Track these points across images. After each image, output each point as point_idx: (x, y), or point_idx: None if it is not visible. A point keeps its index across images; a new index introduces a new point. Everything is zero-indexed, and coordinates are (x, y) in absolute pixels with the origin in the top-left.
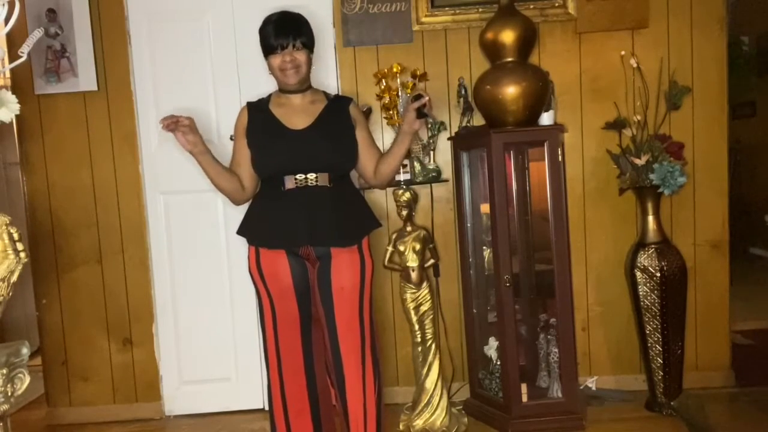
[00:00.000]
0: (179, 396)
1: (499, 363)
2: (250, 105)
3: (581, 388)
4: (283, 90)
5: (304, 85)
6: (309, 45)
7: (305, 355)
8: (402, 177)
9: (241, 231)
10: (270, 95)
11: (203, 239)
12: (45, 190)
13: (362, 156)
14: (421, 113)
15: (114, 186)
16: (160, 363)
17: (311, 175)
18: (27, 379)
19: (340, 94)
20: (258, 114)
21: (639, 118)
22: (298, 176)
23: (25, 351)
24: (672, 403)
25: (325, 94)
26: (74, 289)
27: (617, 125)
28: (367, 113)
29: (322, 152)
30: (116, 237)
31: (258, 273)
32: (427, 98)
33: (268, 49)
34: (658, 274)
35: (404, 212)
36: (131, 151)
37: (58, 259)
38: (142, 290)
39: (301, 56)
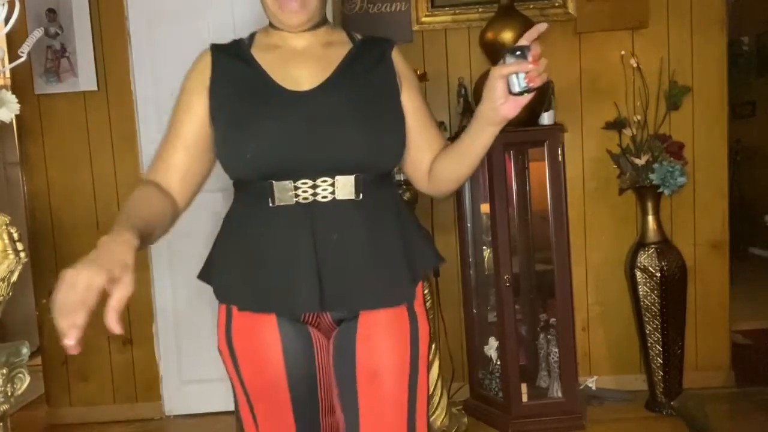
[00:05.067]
0: (179, 396)
1: (499, 363)
2: (215, 48)
3: (581, 388)
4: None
5: (314, 23)
6: None
7: None
8: (401, 176)
9: (205, 274)
10: (253, 34)
11: (203, 239)
12: (45, 190)
13: (413, 143)
14: (519, 88)
15: (114, 186)
16: (160, 363)
17: (323, 182)
18: (27, 379)
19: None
20: (230, 63)
21: (639, 118)
22: (299, 183)
23: (25, 351)
24: (672, 403)
25: (349, 33)
26: None
27: (617, 125)
28: (421, 80)
29: (345, 136)
30: None
31: (228, 350)
32: (530, 57)
33: None
34: (658, 274)
35: None
36: (131, 151)
37: (58, 259)
38: (142, 290)
39: None
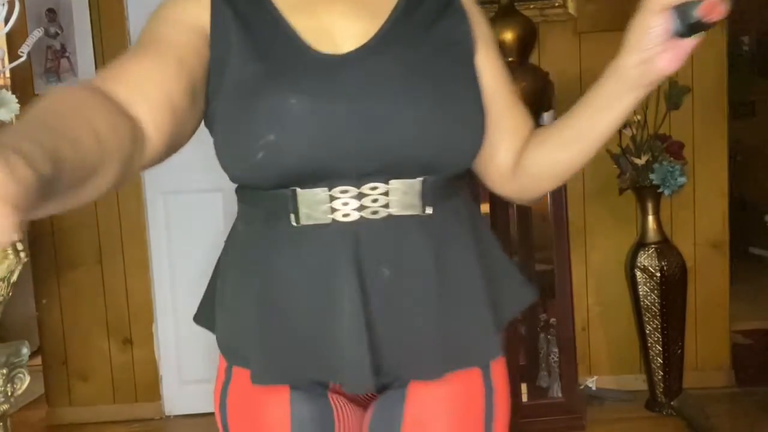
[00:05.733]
0: (179, 396)
1: None
2: None
3: (581, 388)
4: None
5: None
6: None
7: None
8: None
9: (203, 318)
10: None
11: (203, 239)
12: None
13: (493, 126)
14: (688, 22)
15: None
16: (160, 363)
17: (373, 189)
18: (27, 379)
19: None
20: (239, 10)
21: (639, 117)
22: (337, 191)
23: (25, 351)
24: (672, 403)
25: None
26: (74, 289)
27: None
28: None
29: (407, 121)
30: (116, 237)
31: (221, 419)
32: None
33: None
34: (658, 274)
35: None
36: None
37: (57, 260)
38: (142, 290)
39: None
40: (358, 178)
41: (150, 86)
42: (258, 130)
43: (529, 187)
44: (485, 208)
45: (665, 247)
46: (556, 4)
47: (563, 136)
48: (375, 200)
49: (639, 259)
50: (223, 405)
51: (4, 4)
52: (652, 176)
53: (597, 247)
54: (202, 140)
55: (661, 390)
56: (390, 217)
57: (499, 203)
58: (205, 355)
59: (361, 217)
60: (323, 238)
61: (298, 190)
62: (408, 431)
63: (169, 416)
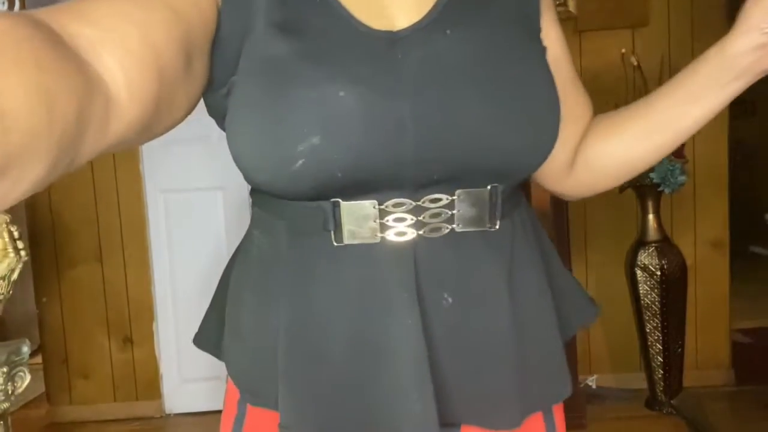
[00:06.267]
0: (179, 394)
1: None
2: None
3: (581, 386)
4: None
5: None
6: None
7: None
8: None
9: (208, 344)
10: None
11: (204, 238)
12: (45, 188)
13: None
14: None
15: (114, 184)
16: (161, 361)
17: (435, 201)
18: (27, 378)
19: None
20: None
21: None
22: (389, 205)
23: (26, 349)
24: (672, 402)
25: None
26: (74, 288)
27: None
28: None
29: (479, 117)
30: (116, 235)
31: None
32: None
33: None
34: (659, 273)
35: None
36: (131, 149)
37: (58, 258)
38: (143, 288)
39: None
40: (416, 188)
41: (128, 29)
42: (297, 130)
43: (588, 184)
44: None
45: (665, 246)
46: (557, 2)
47: (642, 127)
48: (436, 215)
49: (639, 258)
50: None
51: (3, 3)
52: (652, 174)
53: (597, 246)
54: (202, 135)
55: (661, 388)
56: (453, 234)
57: None
58: (206, 355)
59: (418, 235)
60: (371, 262)
61: (342, 202)
62: None
63: (170, 414)
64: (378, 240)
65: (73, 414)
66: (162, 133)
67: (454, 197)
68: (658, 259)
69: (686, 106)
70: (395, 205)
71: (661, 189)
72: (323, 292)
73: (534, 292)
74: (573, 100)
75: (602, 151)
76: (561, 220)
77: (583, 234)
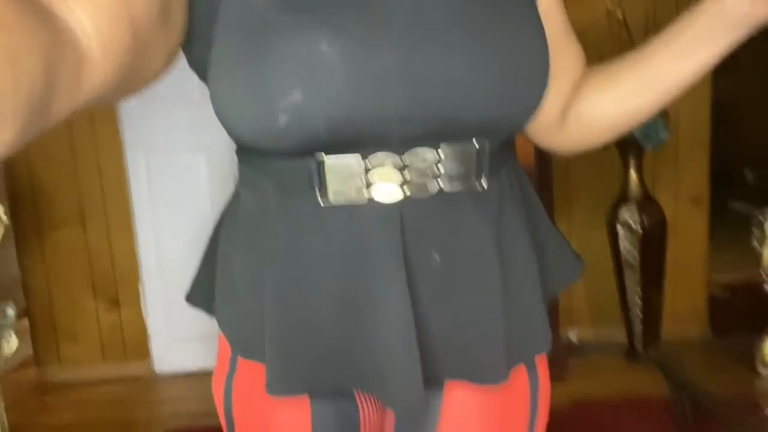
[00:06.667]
0: (169, 354)
1: None
2: None
3: (562, 340)
4: None
5: None
6: None
7: None
8: None
9: (200, 300)
10: None
11: (188, 199)
12: (23, 151)
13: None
14: None
15: (93, 145)
16: (148, 322)
17: (420, 157)
18: (15, 340)
19: None
20: None
21: None
22: (377, 161)
23: (11, 312)
24: (649, 354)
25: None
26: (58, 251)
27: None
28: None
29: (466, 69)
30: (98, 198)
31: (224, 411)
32: None
33: None
34: (639, 229)
35: None
36: (109, 108)
37: (39, 221)
38: (127, 251)
39: None
40: (401, 144)
41: None
42: (279, 85)
43: (580, 138)
44: None
45: (646, 203)
46: None
47: (636, 81)
48: (422, 172)
49: (620, 215)
50: (228, 399)
51: None
52: (635, 131)
53: (580, 204)
54: (183, 95)
55: (639, 341)
56: (439, 195)
57: None
58: (194, 314)
59: (405, 197)
60: (358, 224)
61: (327, 159)
62: (445, 427)
63: (160, 374)
64: (365, 201)
65: (62, 375)
66: (142, 88)
67: (440, 153)
68: (639, 216)
69: (680, 60)
70: (381, 162)
71: (643, 146)
72: (311, 254)
73: (520, 251)
74: (565, 52)
75: (595, 105)
76: (544, 177)
77: (566, 191)
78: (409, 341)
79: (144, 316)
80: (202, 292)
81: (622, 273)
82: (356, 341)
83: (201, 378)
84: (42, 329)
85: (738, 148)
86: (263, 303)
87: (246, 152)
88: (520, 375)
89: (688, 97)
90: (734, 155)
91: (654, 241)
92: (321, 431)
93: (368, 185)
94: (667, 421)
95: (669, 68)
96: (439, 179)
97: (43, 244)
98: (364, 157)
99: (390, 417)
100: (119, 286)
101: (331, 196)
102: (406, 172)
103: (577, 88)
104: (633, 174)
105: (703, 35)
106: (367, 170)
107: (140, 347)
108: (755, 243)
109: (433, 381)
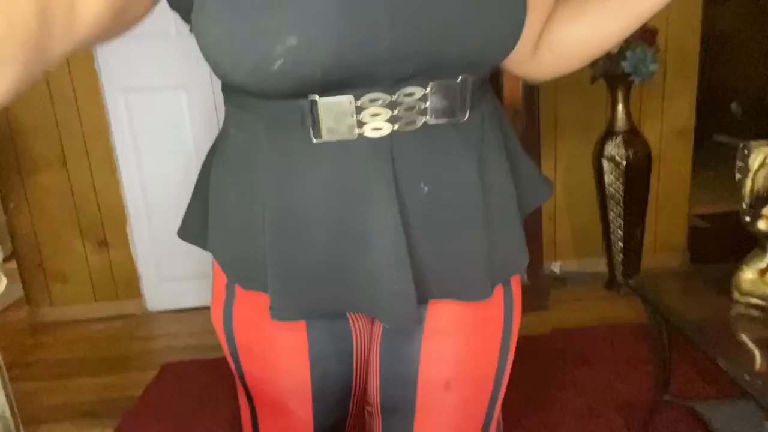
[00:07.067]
0: (160, 293)
1: None
2: None
3: (546, 272)
4: None
5: None
6: None
7: None
8: None
9: (192, 234)
10: None
11: (171, 138)
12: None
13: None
14: None
15: (70, 83)
16: (138, 262)
17: (409, 95)
18: (3, 281)
19: None
20: None
21: None
22: (365, 100)
23: None
24: (629, 282)
25: None
26: (42, 193)
27: None
28: None
29: (449, 12)
30: (79, 139)
31: (225, 337)
32: None
33: None
34: (624, 163)
35: None
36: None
37: (20, 164)
38: (112, 192)
39: None
40: (391, 83)
41: None
42: (273, 30)
43: (552, 66)
44: None
45: (632, 137)
46: None
47: (603, 10)
48: (410, 108)
49: (606, 149)
50: (228, 326)
51: None
52: (624, 64)
53: (567, 138)
54: (158, 30)
55: (620, 271)
56: (426, 127)
57: None
58: (183, 253)
59: (393, 130)
60: (350, 157)
61: (320, 100)
62: (429, 336)
63: (152, 311)
64: (355, 136)
65: (54, 315)
66: (131, 27)
67: (428, 90)
68: (625, 150)
69: None
70: (371, 101)
71: (632, 79)
72: (304, 186)
73: (501, 177)
74: None
75: (566, 35)
76: (532, 112)
77: (554, 125)
78: (403, 261)
79: (134, 257)
80: (194, 228)
81: (605, 206)
82: (352, 265)
83: (193, 315)
84: (31, 271)
85: (726, 81)
86: (259, 233)
87: (234, 92)
88: (497, 293)
89: (678, 28)
90: (721, 88)
91: (638, 174)
92: (316, 348)
93: (360, 123)
94: (644, 345)
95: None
96: (425, 114)
97: (26, 188)
98: (356, 97)
99: (378, 328)
100: (106, 228)
101: (324, 134)
102: (395, 109)
103: (550, 19)
104: (620, 108)
105: None
106: (358, 109)
107: (131, 286)
108: (738, 175)
109: (421, 299)
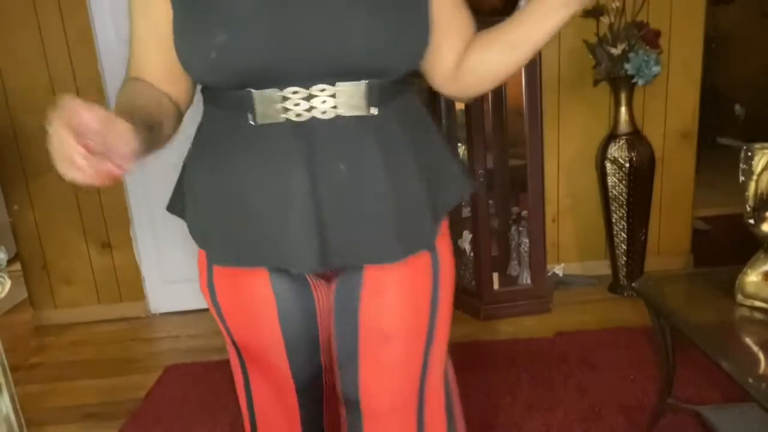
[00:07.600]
0: (163, 295)
1: (472, 255)
2: None
3: (549, 275)
4: None
5: None
6: None
7: None
8: None
9: (175, 206)
10: None
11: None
12: (2, 95)
13: (439, 27)
14: None
15: (74, 87)
16: (141, 264)
17: (321, 91)
18: (8, 283)
19: None
20: None
21: (618, 4)
22: (288, 92)
23: (2, 255)
24: (633, 285)
25: None
26: (46, 195)
27: (595, 12)
28: None
29: (351, 24)
30: None
31: (211, 299)
32: None
33: None
34: (627, 165)
35: None
36: (88, 49)
37: (25, 167)
38: (116, 194)
39: None
40: (307, 79)
41: (159, 74)
42: (210, 28)
43: (470, 87)
44: (460, 104)
45: (635, 139)
46: None
47: (502, 44)
48: (324, 101)
49: (609, 151)
50: (212, 294)
51: None
52: (627, 66)
53: (570, 140)
54: None
55: (624, 274)
56: (339, 117)
57: (473, 101)
58: (186, 256)
59: (313, 117)
60: (278, 137)
61: (253, 90)
62: (366, 298)
63: (155, 314)
64: (282, 119)
65: (58, 317)
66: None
67: (336, 88)
68: (628, 152)
69: (531, 27)
70: (293, 93)
71: (635, 81)
72: (246, 159)
73: (404, 164)
74: (457, 17)
75: (480, 60)
76: (535, 114)
77: (557, 128)
78: (307, 217)
79: (137, 259)
80: (178, 203)
81: (609, 208)
82: (276, 224)
83: (196, 317)
84: (35, 273)
85: (729, 83)
86: (213, 201)
87: (206, 90)
88: (423, 257)
89: (681, 31)
90: (725, 90)
91: (641, 176)
92: (283, 305)
93: (285, 110)
94: (647, 348)
95: (525, 33)
96: (338, 106)
97: (30, 190)
98: (280, 90)
99: (332, 292)
100: (110, 231)
101: (259, 118)
102: (312, 100)
103: (468, 47)
104: (624, 110)
105: (539, 14)
106: (283, 99)
107: (134, 289)
108: (742, 178)
109: (338, 262)
